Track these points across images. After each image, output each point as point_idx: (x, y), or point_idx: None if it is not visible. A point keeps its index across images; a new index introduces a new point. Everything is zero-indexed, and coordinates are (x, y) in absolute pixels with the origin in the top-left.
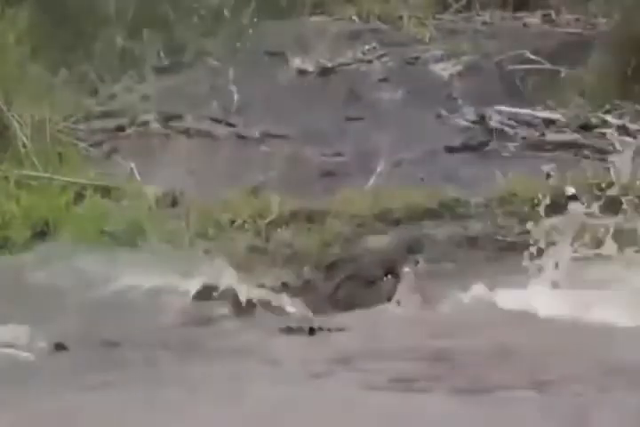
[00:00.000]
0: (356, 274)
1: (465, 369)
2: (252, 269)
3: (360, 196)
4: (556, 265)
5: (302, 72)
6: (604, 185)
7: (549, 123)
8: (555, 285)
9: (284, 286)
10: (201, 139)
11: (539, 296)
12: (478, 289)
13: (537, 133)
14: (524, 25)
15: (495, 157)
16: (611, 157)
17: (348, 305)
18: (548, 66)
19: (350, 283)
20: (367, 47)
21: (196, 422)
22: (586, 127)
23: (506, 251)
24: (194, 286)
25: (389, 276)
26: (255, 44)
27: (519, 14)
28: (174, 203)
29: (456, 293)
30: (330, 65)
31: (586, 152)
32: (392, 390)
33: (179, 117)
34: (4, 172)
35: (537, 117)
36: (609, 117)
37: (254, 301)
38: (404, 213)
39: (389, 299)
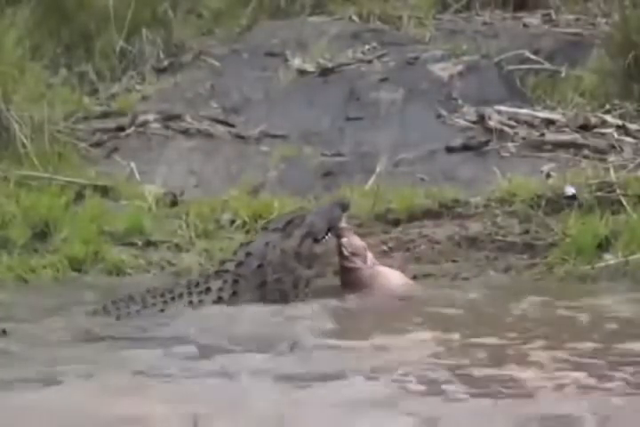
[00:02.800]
0: (309, 231)
1: None
2: None
3: (360, 196)
4: None
5: (302, 72)
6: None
7: (549, 123)
8: None
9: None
10: (201, 139)
11: None
12: None
13: (537, 133)
14: (524, 25)
15: (495, 156)
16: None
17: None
18: (547, 66)
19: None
20: (367, 47)
21: None
22: (586, 127)
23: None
24: None
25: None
26: (255, 44)
27: (519, 14)
28: (174, 203)
29: None
30: (330, 65)
31: (586, 152)
32: None
33: (179, 117)
34: (4, 172)
35: (537, 117)
36: (609, 117)
37: None
38: (404, 213)
39: None
